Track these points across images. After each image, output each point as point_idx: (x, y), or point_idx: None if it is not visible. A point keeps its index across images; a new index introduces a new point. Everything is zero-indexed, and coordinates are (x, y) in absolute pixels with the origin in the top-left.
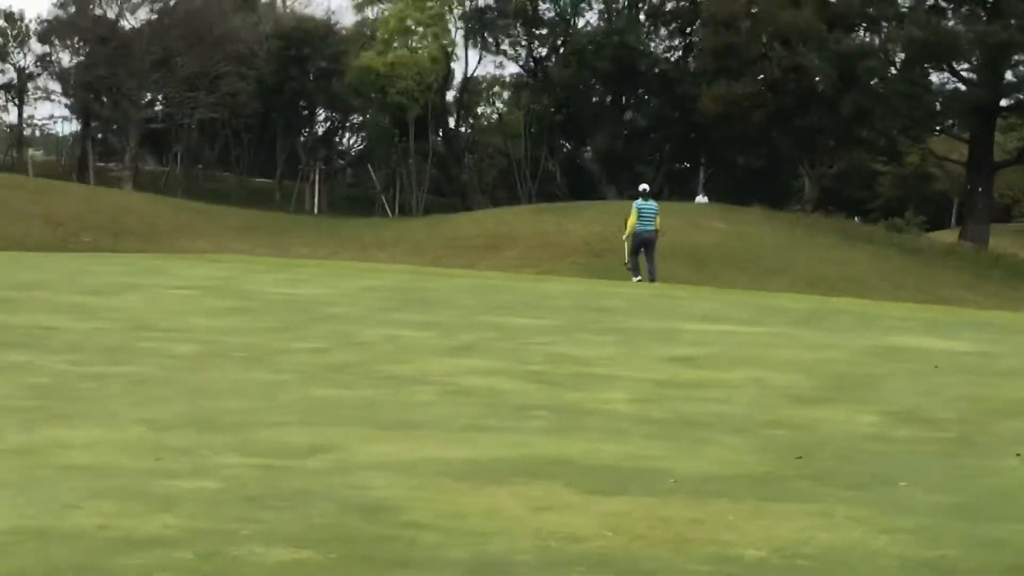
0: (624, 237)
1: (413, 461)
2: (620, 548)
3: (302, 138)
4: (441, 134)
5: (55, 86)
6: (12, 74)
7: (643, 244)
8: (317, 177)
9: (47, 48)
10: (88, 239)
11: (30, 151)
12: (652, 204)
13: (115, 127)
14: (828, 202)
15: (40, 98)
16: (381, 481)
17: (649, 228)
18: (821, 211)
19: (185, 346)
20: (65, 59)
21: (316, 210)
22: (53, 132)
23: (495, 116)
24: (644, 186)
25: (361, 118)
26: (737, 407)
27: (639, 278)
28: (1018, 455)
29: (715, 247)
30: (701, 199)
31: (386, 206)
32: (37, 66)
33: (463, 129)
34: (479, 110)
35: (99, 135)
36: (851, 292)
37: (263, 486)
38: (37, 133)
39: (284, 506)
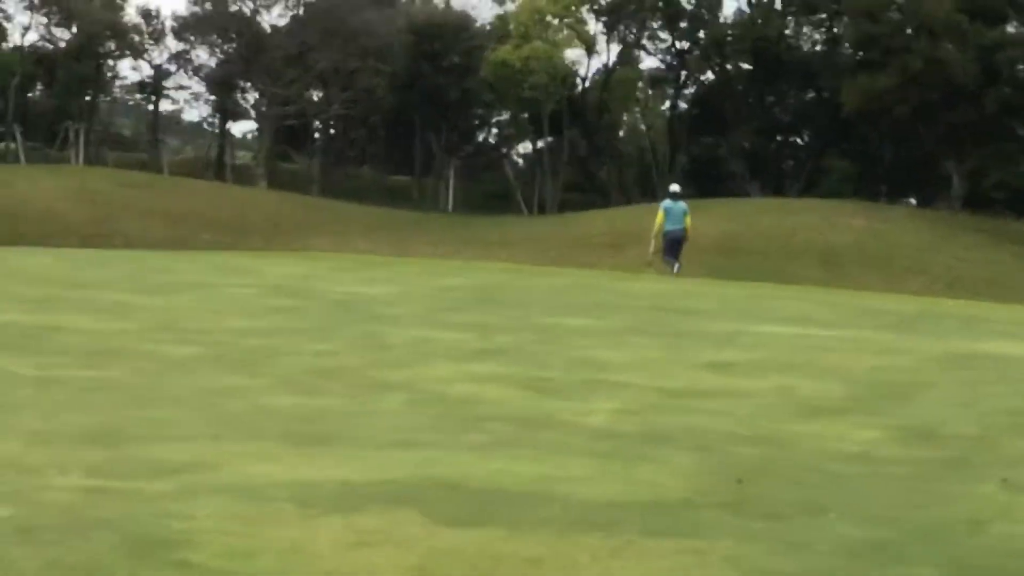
0: (652, 235)
1: (276, 483)
2: None
3: (438, 135)
4: (578, 130)
5: (191, 83)
6: (148, 71)
7: (672, 243)
8: (452, 174)
9: (183, 45)
10: (208, 237)
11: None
12: (681, 204)
13: (251, 123)
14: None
15: (176, 96)
16: (208, 509)
17: (678, 227)
18: (969, 209)
19: (186, 349)
20: (202, 56)
21: (451, 207)
22: (188, 126)
23: (636, 111)
24: (674, 187)
25: (499, 115)
26: (726, 420)
27: (678, 267)
28: (1004, 480)
29: (850, 246)
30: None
31: (522, 204)
32: (171, 63)
33: (602, 125)
34: (618, 106)
35: (236, 132)
36: (991, 295)
37: (60, 515)
38: (174, 130)
39: (51, 540)
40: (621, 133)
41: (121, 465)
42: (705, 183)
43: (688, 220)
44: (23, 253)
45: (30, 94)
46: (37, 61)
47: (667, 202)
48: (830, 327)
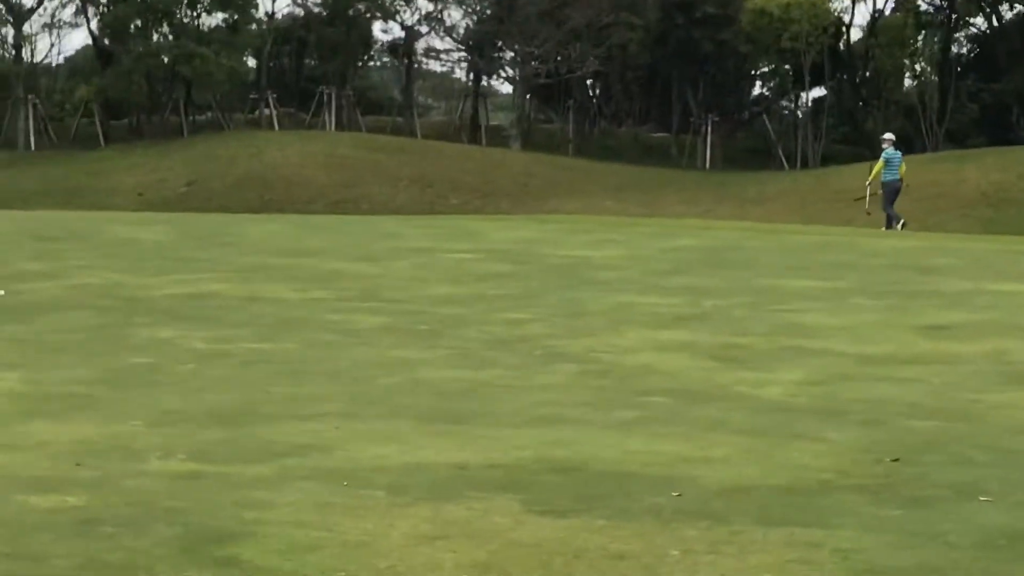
0: (867, 183)
1: (383, 467)
2: None
3: (695, 90)
4: (844, 79)
5: (444, 44)
6: (400, 32)
7: (895, 192)
8: (709, 130)
9: (435, 5)
10: (455, 201)
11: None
12: (899, 153)
13: (507, 84)
14: None
15: (430, 58)
16: (292, 496)
17: (898, 177)
18: None
19: (374, 318)
20: (454, 16)
21: (707, 165)
22: (443, 89)
23: (904, 59)
24: (890, 135)
25: (759, 67)
26: (916, 390)
27: (902, 221)
28: None
29: None
30: None
31: (782, 158)
32: (423, 24)
33: (867, 74)
34: (885, 53)
35: (490, 93)
36: None
37: (131, 505)
38: (428, 93)
39: (106, 534)
40: (901, 82)
41: (229, 447)
42: (985, 130)
43: (903, 169)
44: (256, 221)
45: (282, 60)
46: (289, 27)
47: (888, 151)
48: None
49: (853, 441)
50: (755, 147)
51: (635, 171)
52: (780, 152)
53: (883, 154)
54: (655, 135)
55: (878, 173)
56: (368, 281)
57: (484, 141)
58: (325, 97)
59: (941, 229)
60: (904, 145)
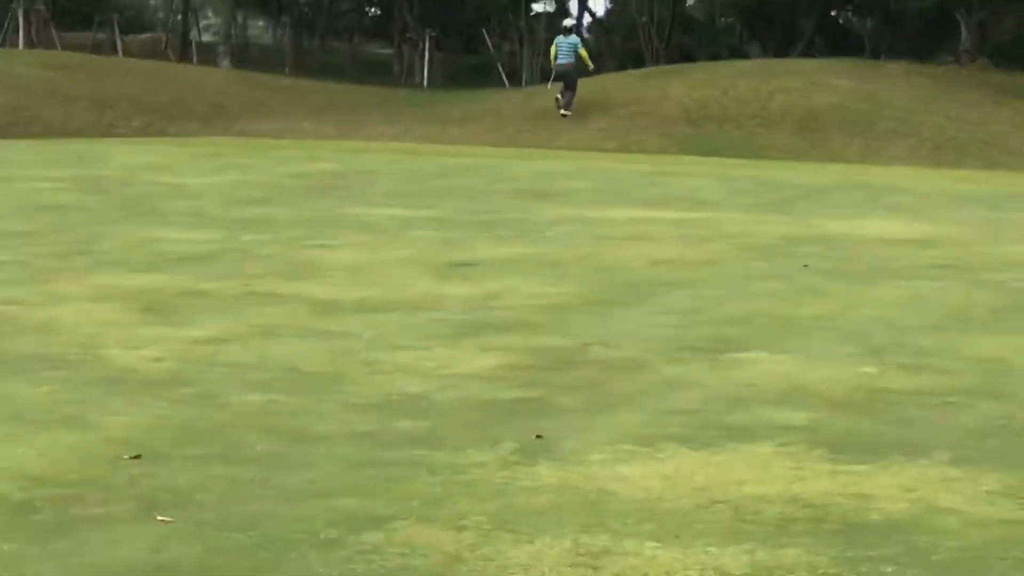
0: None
1: None
2: None
3: (411, 3)
4: None
5: None
6: None
7: (558, 77)
8: (427, 46)
9: None
10: (138, 123)
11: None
12: (572, 39)
13: None
14: None
15: None
16: None
17: (561, 62)
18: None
19: None
20: None
21: (425, 83)
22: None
23: None
24: (567, 22)
25: None
26: (317, 348)
27: (563, 108)
28: (538, 436)
29: (831, 109)
30: None
31: (503, 76)
32: None
33: None
34: None
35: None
36: (982, 157)
37: None
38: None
39: None
40: None
41: None
42: (706, 47)
43: (584, 54)
44: None
45: None
46: None
47: (559, 37)
48: (692, 209)
49: (127, 427)
50: (476, 64)
51: (342, 89)
52: (501, 69)
53: (555, 39)
54: (378, 51)
55: (552, 59)
56: None
57: (195, 59)
58: (20, 14)
59: (640, 149)
60: (634, 63)
